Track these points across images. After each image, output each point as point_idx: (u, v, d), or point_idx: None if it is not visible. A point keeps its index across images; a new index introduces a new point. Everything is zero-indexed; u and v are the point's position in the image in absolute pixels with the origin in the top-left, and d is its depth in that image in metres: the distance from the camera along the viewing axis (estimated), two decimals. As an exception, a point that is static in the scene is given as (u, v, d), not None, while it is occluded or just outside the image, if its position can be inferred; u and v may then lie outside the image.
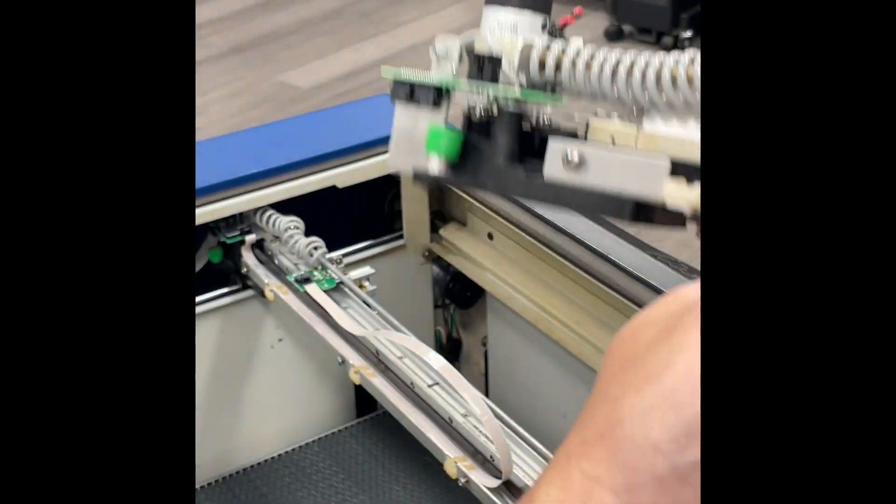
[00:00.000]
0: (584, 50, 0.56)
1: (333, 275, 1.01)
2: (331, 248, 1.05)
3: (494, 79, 0.58)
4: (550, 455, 0.76)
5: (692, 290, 0.40)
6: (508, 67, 0.57)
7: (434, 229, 1.17)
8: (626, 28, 3.01)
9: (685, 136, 0.51)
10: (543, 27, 0.59)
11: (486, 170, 0.58)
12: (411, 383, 0.88)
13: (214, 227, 1.08)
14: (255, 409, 1.16)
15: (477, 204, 1.06)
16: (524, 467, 0.78)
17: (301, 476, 1.15)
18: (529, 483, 0.77)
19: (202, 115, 2.57)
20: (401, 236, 1.17)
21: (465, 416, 0.83)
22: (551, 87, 0.57)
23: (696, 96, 0.50)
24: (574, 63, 0.55)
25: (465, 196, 1.07)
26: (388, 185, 1.15)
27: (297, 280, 1.02)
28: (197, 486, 1.12)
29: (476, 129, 0.59)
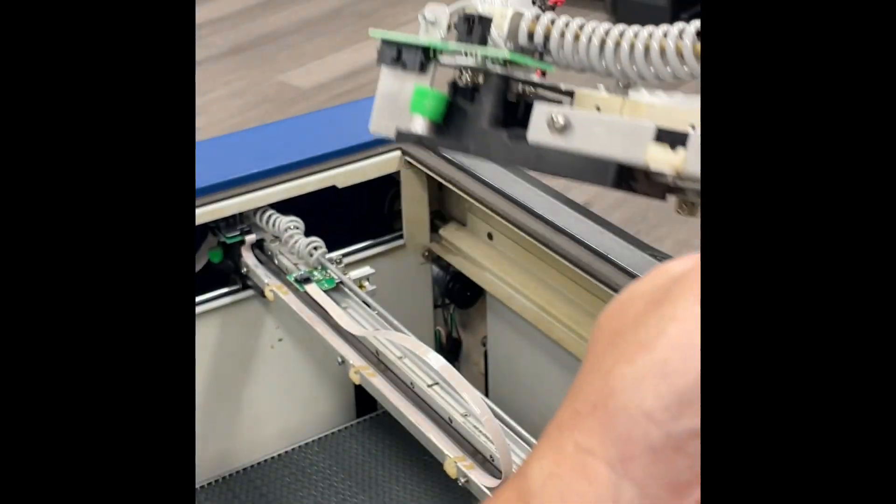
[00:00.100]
0: (573, 22, 0.56)
1: (333, 275, 1.01)
2: (331, 248, 1.05)
3: (483, 42, 0.58)
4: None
5: (678, 265, 0.40)
6: (497, 34, 0.57)
7: (434, 229, 1.17)
8: (626, 28, 3.00)
9: (670, 104, 0.51)
10: (534, 1, 0.59)
11: (469, 133, 0.58)
12: (411, 383, 0.88)
13: (214, 227, 1.08)
14: (255, 408, 1.16)
15: (477, 204, 1.05)
16: (524, 467, 0.78)
17: (301, 476, 1.15)
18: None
19: (202, 115, 2.57)
20: (401, 236, 1.17)
21: (464, 415, 0.83)
22: (539, 58, 0.58)
23: (684, 69, 0.51)
24: (563, 34, 0.56)
25: (464, 196, 1.07)
26: (387, 185, 1.15)
27: (296, 280, 1.02)
28: (197, 485, 1.12)
29: (462, 94, 0.59)
